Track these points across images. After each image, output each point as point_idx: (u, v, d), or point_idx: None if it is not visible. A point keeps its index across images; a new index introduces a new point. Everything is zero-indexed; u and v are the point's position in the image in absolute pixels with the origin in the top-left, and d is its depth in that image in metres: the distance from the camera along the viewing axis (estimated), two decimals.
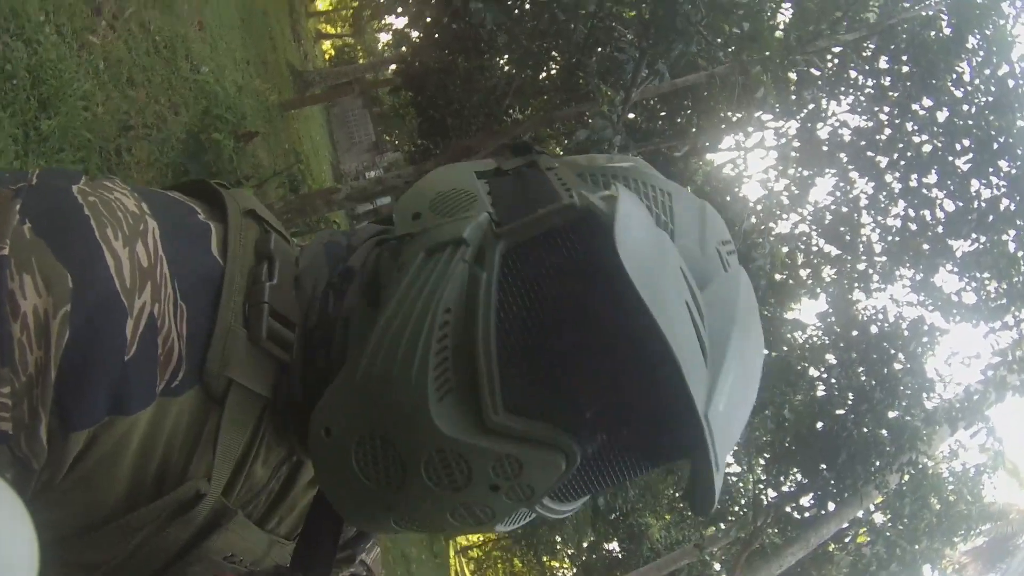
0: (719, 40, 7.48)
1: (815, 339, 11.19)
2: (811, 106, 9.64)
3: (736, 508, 12.70)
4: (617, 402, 0.74)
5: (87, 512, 0.71)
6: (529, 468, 0.71)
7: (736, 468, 13.16)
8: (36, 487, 0.65)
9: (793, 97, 8.81)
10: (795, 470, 10.69)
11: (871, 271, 10.81)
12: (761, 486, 11.25)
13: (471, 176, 0.82)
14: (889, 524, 10.55)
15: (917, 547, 10.07)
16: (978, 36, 8.82)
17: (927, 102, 9.30)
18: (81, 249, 0.64)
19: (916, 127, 9.53)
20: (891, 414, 9.81)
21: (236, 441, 0.76)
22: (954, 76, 8.95)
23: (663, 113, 9.05)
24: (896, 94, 9.40)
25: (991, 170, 9.10)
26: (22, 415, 0.61)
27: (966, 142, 9.10)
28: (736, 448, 12.24)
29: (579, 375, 0.72)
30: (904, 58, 9.07)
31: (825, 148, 10.00)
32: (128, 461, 0.70)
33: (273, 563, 0.88)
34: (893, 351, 9.91)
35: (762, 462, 11.92)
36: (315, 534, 0.86)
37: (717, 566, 14.07)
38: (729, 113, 8.77)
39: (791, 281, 10.65)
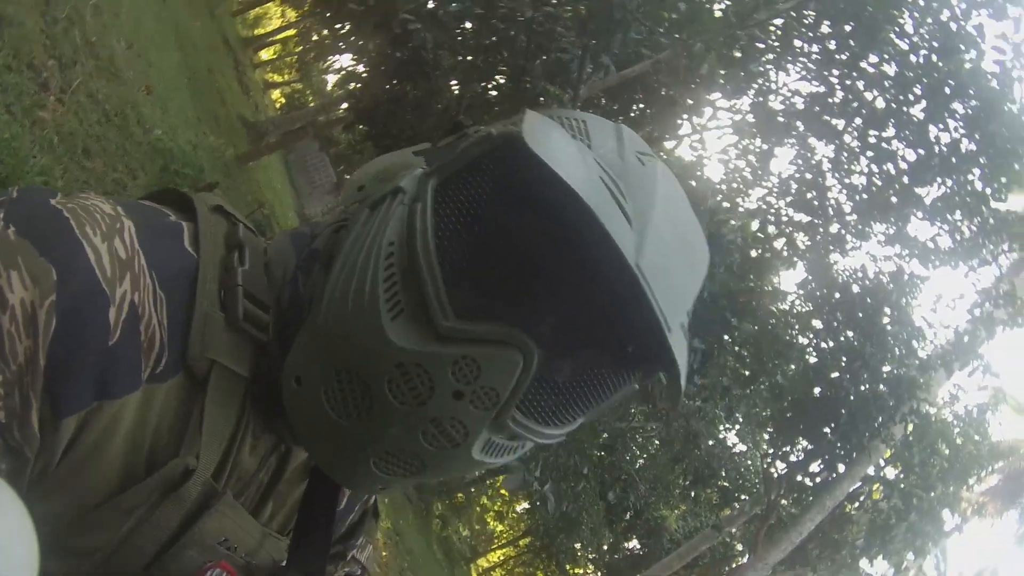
0: (659, 28, 7.57)
1: (799, 307, 11.29)
2: (760, 80, 9.74)
3: (748, 485, 12.75)
4: (557, 283, 0.78)
5: (82, 498, 0.74)
6: (487, 368, 0.75)
7: (742, 446, 13.24)
8: (32, 476, 0.68)
9: (742, 74, 8.89)
10: (800, 439, 10.74)
11: (844, 232, 10.91)
12: (768, 459, 11.31)
13: (409, 153, 0.89)
14: (901, 476, 10.62)
15: (933, 494, 10.12)
16: None
17: (874, 59, 9.40)
18: (63, 245, 0.68)
19: (867, 84, 9.64)
20: (885, 368, 9.91)
21: (221, 420, 0.80)
22: (897, 29, 9.05)
23: (614, 107, 9.12)
24: (843, 56, 9.49)
25: (946, 115, 9.22)
26: (14, 404, 0.64)
27: (918, 91, 9.21)
28: (739, 425, 12.36)
29: (516, 267, 0.77)
30: (846, 19, 9.16)
31: (781, 119, 10.11)
32: (118, 447, 0.73)
33: (268, 556, 0.90)
34: (878, 306, 10.01)
35: (766, 436, 12.01)
36: (308, 527, 0.90)
37: (739, 546, 14.11)
38: (680, 97, 8.86)
39: (767, 255, 10.71)
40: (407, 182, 0.82)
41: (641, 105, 9.06)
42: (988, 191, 9.45)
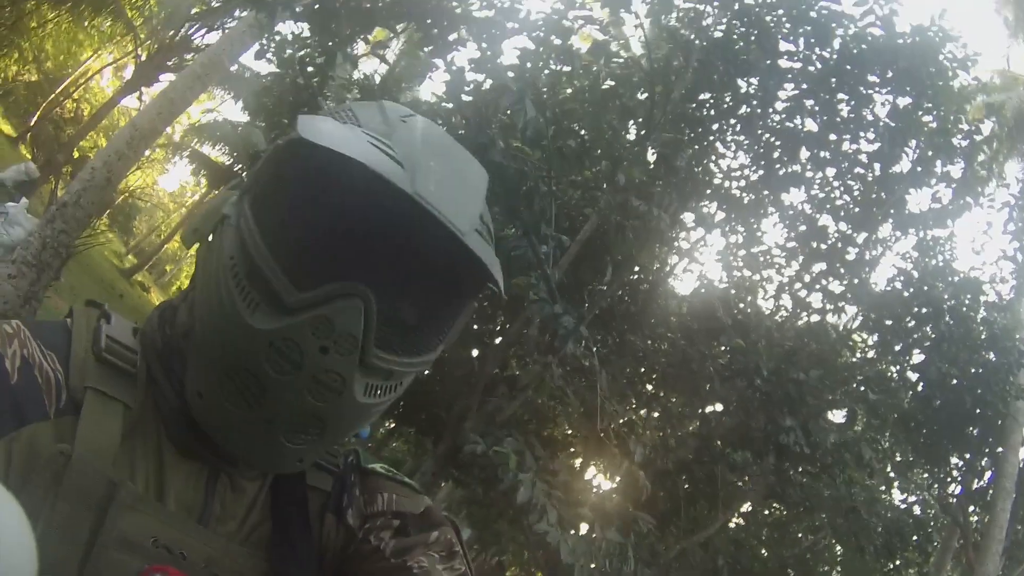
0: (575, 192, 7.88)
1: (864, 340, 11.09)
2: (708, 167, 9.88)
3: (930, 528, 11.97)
4: (359, 231, 0.96)
5: None
6: (338, 319, 0.92)
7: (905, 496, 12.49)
8: None
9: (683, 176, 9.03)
10: (951, 454, 10.31)
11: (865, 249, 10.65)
12: (937, 488, 10.75)
13: (225, 190, 1.10)
14: None
15: None
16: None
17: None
18: None
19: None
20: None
21: (97, 425, 0.95)
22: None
23: (588, 273, 9.33)
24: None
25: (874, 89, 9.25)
26: None
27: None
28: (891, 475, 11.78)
29: (327, 233, 0.96)
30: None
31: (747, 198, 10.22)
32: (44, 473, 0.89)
33: (237, 566, 1.02)
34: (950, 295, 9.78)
35: (924, 474, 11.48)
36: (285, 537, 1.06)
37: None
38: (644, 233, 9.10)
39: (808, 319, 10.54)
40: (227, 208, 1.02)
41: (607, 259, 9.28)
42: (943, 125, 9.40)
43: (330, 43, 10.40)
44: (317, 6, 10.29)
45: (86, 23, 23.36)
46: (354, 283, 0.93)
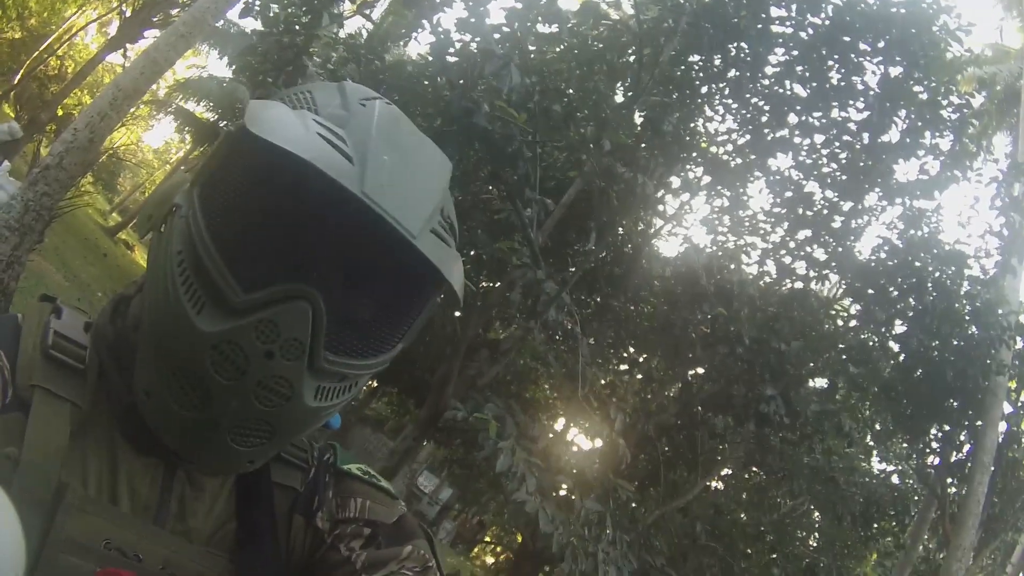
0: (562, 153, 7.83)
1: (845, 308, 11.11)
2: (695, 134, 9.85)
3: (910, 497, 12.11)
4: (308, 231, 0.91)
5: None
6: (284, 323, 0.88)
7: (884, 466, 12.62)
8: None
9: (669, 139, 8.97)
10: (932, 425, 10.40)
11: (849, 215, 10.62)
12: (915, 460, 10.85)
13: (180, 172, 1.07)
14: None
15: None
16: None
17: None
18: None
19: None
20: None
21: (45, 426, 0.92)
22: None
23: (573, 235, 9.31)
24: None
25: (866, 57, 9.21)
26: None
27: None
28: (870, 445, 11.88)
29: (274, 231, 0.91)
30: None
31: (736, 162, 10.20)
32: None
33: (197, 568, 0.98)
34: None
35: (904, 444, 11.58)
36: (249, 539, 1.03)
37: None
38: (630, 196, 9.06)
39: (792, 286, 10.56)
40: (179, 198, 0.97)
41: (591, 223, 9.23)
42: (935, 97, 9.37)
43: (315, 1, 10.28)
44: None
45: None
46: (301, 285, 0.89)
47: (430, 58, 8.86)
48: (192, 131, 26.89)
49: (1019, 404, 11.24)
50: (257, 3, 11.12)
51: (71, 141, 10.89)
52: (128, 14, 23.34)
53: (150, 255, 1.00)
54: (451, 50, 8.44)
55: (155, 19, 22.57)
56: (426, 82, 9.13)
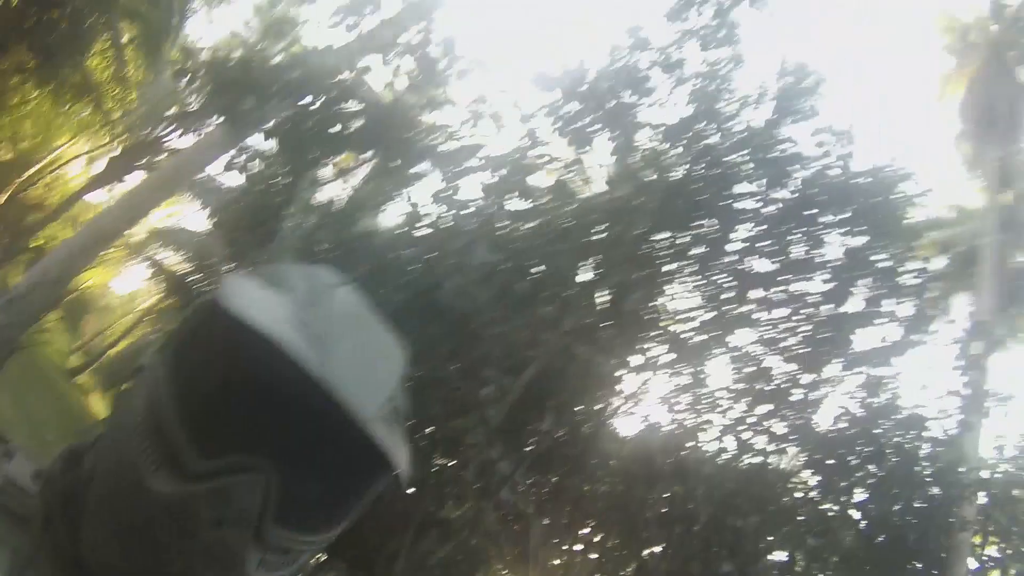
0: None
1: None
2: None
3: None
4: (268, 408, 0.95)
5: None
6: (235, 494, 0.91)
7: None
8: None
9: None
10: None
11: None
12: None
13: (151, 337, 1.13)
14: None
15: None
16: None
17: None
18: None
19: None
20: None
21: None
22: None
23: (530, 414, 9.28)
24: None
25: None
26: None
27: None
28: None
29: (235, 404, 0.95)
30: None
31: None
32: None
33: None
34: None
35: None
36: None
37: None
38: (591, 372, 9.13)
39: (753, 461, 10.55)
40: (146, 358, 1.02)
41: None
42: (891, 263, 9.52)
43: (297, 164, 10.59)
44: (288, 126, 10.53)
45: (66, 107, 23.52)
46: (256, 457, 0.92)
47: (402, 228, 9.13)
48: (162, 280, 26.92)
49: (983, 558, 11.05)
50: (242, 159, 11.46)
51: (41, 275, 10.96)
52: (118, 152, 23.74)
53: (112, 411, 1.05)
54: (419, 224, 8.71)
55: (142, 162, 22.96)
56: (395, 255, 9.35)
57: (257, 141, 11.25)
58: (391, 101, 10.63)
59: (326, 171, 10.90)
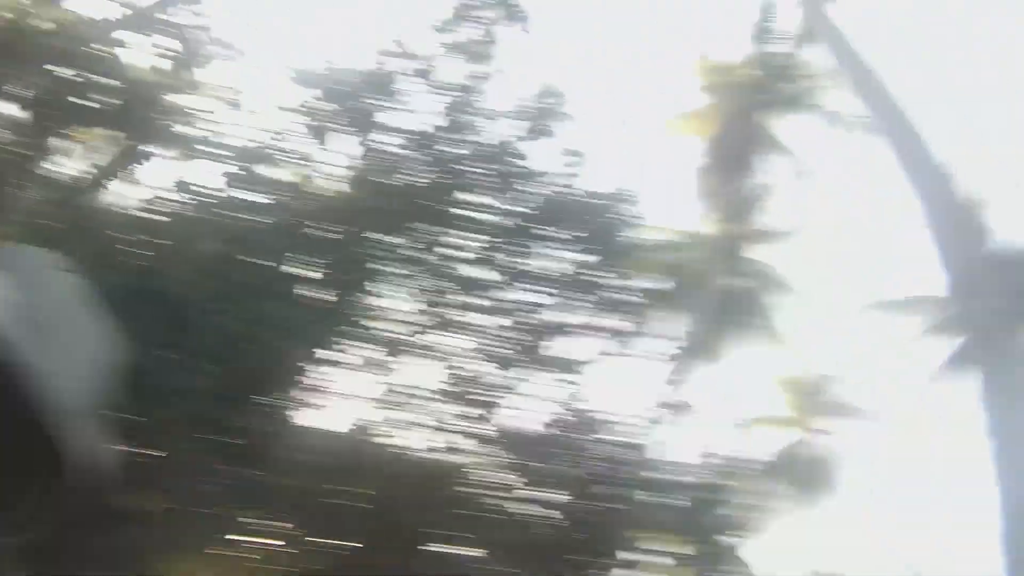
0: None
1: None
2: None
3: None
4: None
5: None
6: None
7: None
8: None
9: None
10: None
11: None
12: None
13: None
14: None
15: None
16: None
17: None
18: None
19: None
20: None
21: None
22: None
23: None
24: None
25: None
26: None
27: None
28: None
29: None
30: None
31: None
32: None
33: None
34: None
35: None
36: None
37: None
38: None
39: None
40: None
41: None
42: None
43: (38, 136, 10.24)
44: (36, 93, 10.15)
45: None
46: None
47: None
48: None
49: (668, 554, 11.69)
50: None
51: None
52: None
53: None
54: (156, 209, 8.68)
55: None
56: (127, 238, 9.18)
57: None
58: (146, 81, 10.43)
59: (69, 145, 10.55)
